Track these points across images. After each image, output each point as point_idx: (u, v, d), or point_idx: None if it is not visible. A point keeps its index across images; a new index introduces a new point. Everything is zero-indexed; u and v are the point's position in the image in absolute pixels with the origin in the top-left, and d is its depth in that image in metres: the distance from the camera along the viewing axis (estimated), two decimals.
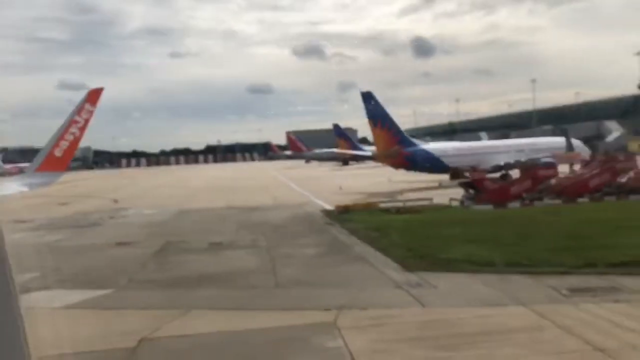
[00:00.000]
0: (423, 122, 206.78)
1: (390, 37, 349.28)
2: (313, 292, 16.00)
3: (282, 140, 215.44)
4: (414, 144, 56.53)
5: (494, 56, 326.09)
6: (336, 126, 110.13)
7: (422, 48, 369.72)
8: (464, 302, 14.06)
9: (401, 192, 46.43)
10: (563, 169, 41.54)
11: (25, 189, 12.75)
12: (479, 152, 56.41)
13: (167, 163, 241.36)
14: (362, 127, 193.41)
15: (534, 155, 51.17)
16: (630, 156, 37.97)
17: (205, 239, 26.90)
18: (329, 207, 37.18)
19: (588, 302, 13.31)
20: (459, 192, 36.86)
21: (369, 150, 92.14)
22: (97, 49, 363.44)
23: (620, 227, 22.84)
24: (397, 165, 55.68)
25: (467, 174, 39.26)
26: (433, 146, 60.02)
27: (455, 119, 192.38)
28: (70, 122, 13.43)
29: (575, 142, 56.69)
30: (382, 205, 35.12)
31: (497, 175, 49.02)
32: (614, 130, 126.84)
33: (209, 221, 35.14)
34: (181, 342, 12.16)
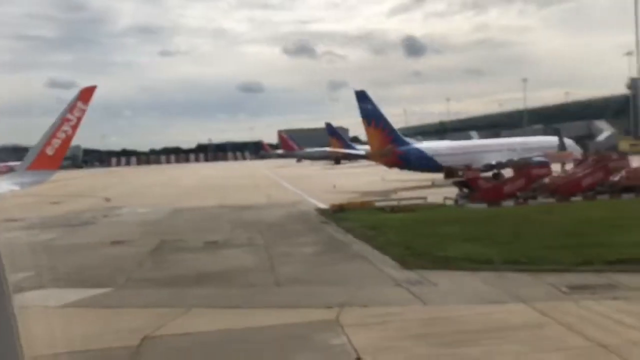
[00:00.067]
0: (414, 122, 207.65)
1: (380, 36, 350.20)
2: (313, 290, 16.03)
3: (273, 139, 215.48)
4: (407, 143, 56.72)
5: (484, 56, 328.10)
6: (328, 125, 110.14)
7: (412, 47, 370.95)
8: (465, 299, 14.14)
9: (395, 190, 46.55)
10: (555, 168, 41.80)
11: (16, 187, 12.64)
12: (472, 151, 56.61)
13: (158, 162, 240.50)
14: (353, 126, 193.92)
15: (526, 155, 51.42)
16: (623, 155, 38.18)
17: (201, 237, 26.84)
18: (323, 205, 37.17)
19: (587, 299, 13.43)
20: (452, 191, 37.01)
21: (361, 149, 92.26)
22: (87, 47, 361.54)
23: (614, 225, 23.03)
24: (390, 164, 55.79)
25: (460, 173, 39.36)
26: (426, 145, 60.26)
27: (446, 118, 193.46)
28: (63, 120, 13.33)
29: (567, 142, 57.02)
30: (377, 204, 35.17)
31: (489, 174, 49.25)
32: (604, 130, 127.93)
33: (204, 220, 35.05)
34: (185, 340, 12.15)
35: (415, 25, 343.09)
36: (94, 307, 15.44)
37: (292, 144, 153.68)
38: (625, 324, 11.55)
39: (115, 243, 26.63)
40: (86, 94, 13.85)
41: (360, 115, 54.68)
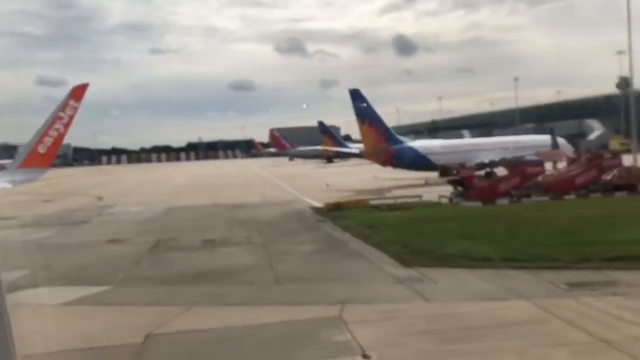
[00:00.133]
0: (406, 120, 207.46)
1: (372, 35, 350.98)
2: (314, 288, 16.09)
3: (264, 138, 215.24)
4: (401, 142, 56.84)
5: (476, 55, 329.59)
6: (321, 123, 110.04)
7: (404, 46, 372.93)
8: (466, 296, 14.25)
9: (388, 189, 46.64)
10: (547, 166, 42.06)
11: (8, 185, 12.61)
12: (465, 150, 56.87)
13: (148, 160, 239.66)
14: (345, 124, 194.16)
15: (519, 153, 51.62)
16: (615, 154, 38.51)
17: (198, 236, 26.81)
18: (318, 204, 37.22)
19: (587, 296, 13.59)
20: (446, 189, 37.15)
21: (353, 147, 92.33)
22: (76, 45, 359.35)
23: (608, 223, 23.26)
24: (384, 162, 55.91)
25: (454, 171, 39.51)
26: (420, 144, 60.39)
27: (437, 116, 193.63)
28: (55, 118, 13.29)
29: (560, 140, 57.37)
30: (373, 202, 35.26)
31: (481, 172, 49.45)
32: (596, 129, 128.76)
33: (199, 218, 34.98)
34: (189, 337, 12.16)
35: (407, 23, 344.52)
36: (95, 305, 15.39)
37: (285, 143, 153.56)
38: (625, 320, 11.70)
39: (111, 241, 26.57)
40: (78, 91, 13.79)
41: (354, 114, 54.82)
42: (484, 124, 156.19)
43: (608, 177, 35.71)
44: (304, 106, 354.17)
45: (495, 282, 15.38)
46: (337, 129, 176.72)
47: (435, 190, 37.99)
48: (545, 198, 33.71)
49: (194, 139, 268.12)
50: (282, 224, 30.39)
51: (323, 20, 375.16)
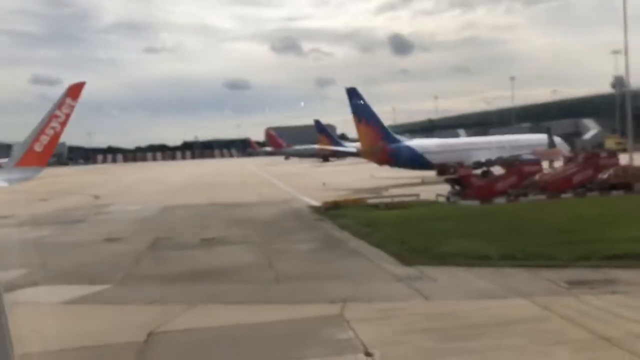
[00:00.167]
0: (402, 119, 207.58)
1: (367, 34, 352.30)
2: (314, 286, 16.12)
3: (260, 137, 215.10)
4: (398, 141, 56.97)
5: (472, 54, 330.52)
6: (317, 122, 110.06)
7: (400, 45, 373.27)
8: (466, 294, 14.31)
9: (385, 188, 46.71)
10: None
11: (4, 184, 12.61)
12: (462, 149, 57.06)
13: (144, 159, 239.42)
14: (341, 123, 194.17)
15: (515, 152, 51.87)
16: (612, 153, 38.66)
17: (196, 234, 26.84)
18: (315, 203, 37.25)
19: (587, 294, 13.65)
20: (442, 188, 37.18)
21: (350, 146, 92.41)
22: (72, 43, 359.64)
23: (606, 222, 23.37)
24: (381, 161, 55.98)
25: (452, 170, 39.57)
26: (417, 143, 60.49)
27: (434, 115, 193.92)
28: (51, 116, 13.29)
29: (556, 140, 57.63)
30: (371, 201, 35.30)
31: (478, 171, 49.55)
32: (591, 128, 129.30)
33: (196, 217, 34.97)
34: (192, 335, 12.18)
35: (403, 23, 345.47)
36: (96, 303, 15.38)
37: (281, 141, 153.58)
38: (626, 318, 11.77)
39: (109, 240, 26.55)
40: (75, 90, 13.77)
41: (351, 113, 54.84)
42: (480, 123, 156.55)
43: (604, 176, 35.88)
44: (302, 104, 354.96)
45: (495, 281, 15.44)
46: (333, 127, 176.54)
47: (432, 189, 38.03)
48: (543, 197, 33.79)
49: (189, 138, 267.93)
50: (280, 222, 30.41)
51: (319, 19, 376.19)
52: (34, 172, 13.38)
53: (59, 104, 13.47)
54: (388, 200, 34.72)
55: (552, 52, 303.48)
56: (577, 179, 35.13)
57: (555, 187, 34.71)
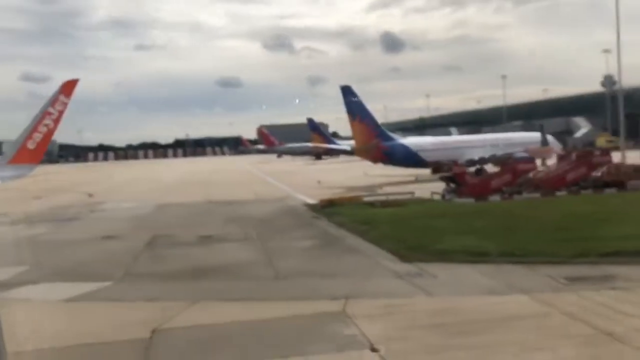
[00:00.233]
0: (394, 117, 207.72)
1: (359, 32, 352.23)
2: (315, 283, 16.18)
3: (252, 135, 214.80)
4: (392, 139, 57.10)
5: (463, 52, 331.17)
6: (310, 120, 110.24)
7: (391, 43, 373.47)
8: (468, 291, 14.43)
9: (380, 186, 46.87)
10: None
11: None
12: (456, 147, 57.31)
13: (135, 157, 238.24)
14: (333, 121, 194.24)
15: (508, 150, 52.16)
16: (605, 151, 38.99)
17: (194, 232, 26.79)
18: (311, 201, 37.29)
19: (587, 290, 13.79)
20: (437, 186, 37.37)
21: (344, 144, 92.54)
22: (62, 40, 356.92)
23: (600, 219, 23.59)
24: (375, 159, 56.08)
25: (446, 168, 39.77)
26: (411, 141, 60.66)
27: (425, 114, 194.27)
28: (44, 113, 13.24)
29: (549, 138, 58.00)
30: (366, 199, 35.42)
31: (472, 169, 49.83)
32: (582, 126, 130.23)
33: (192, 215, 34.96)
34: (196, 332, 12.20)
35: (394, 21, 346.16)
36: (98, 300, 15.35)
37: (273, 139, 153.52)
38: (627, 313, 11.92)
39: (106, 238, 26.48)
40: (68, 87, 13.73)
41: (344, 110, 54.91)
42: (471, 121, 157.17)
43: (598, 174, 36.23)
44: (297, 101, 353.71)
45: (494, 277, 15.56)
46: (326, 126, 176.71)
47: (426, 187, 38.21)
48: (537, 195, 34.04)
49: (181, 135, 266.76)
50: (277, 220, 30.45)
51: (310, 17, 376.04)
52: (27, 170, 13.34)
53: (52, 101, 13.42)
54: (383, 198, 34.86)
55: (543, 51, 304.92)
56: (570, 176, 35.41)
57: (549, 184, 34.99)
